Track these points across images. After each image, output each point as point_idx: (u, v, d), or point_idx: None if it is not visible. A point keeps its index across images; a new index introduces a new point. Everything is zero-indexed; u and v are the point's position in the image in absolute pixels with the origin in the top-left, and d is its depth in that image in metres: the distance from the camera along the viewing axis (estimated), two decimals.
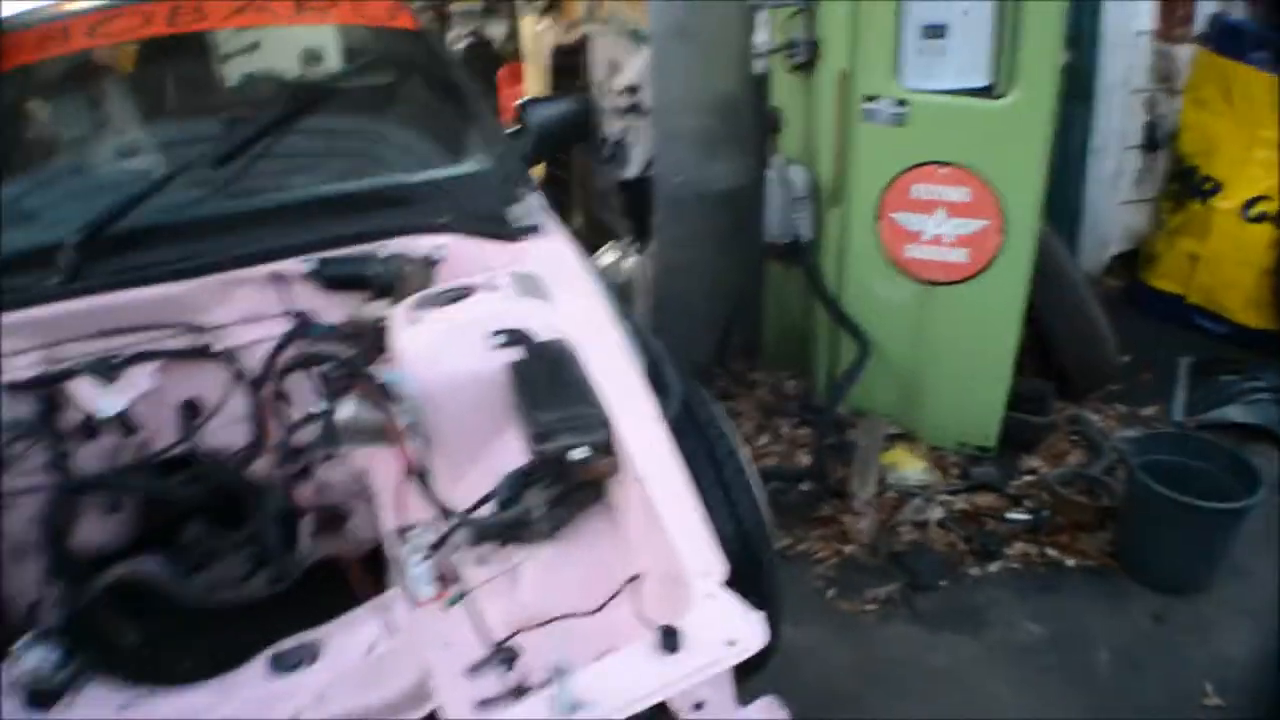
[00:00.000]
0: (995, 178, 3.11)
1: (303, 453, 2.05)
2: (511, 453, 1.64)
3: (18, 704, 1.77)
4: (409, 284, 1.99)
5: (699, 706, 1.32)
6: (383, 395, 1.76)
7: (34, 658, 1.80)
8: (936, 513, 3.28)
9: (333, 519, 2.11)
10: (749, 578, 1.46)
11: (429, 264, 2.06)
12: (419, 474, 1.74)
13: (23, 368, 2.04)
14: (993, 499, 3.37)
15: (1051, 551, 3.16)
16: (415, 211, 2.22)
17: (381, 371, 1.83)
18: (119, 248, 2.09)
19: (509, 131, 2.58)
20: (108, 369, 2.02)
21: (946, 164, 3.14)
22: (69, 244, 2.04)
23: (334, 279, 2.00)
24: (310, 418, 2.00)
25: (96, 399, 2.01)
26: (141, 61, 2.80)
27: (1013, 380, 3.45)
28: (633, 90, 3.93)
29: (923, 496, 3.32)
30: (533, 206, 2.27)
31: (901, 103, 3.13)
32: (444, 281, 1.99)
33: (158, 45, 2.68)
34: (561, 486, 1.57)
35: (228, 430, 2.10)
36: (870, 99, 3.17)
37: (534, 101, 2.92)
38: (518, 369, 1.69)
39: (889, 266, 3.35)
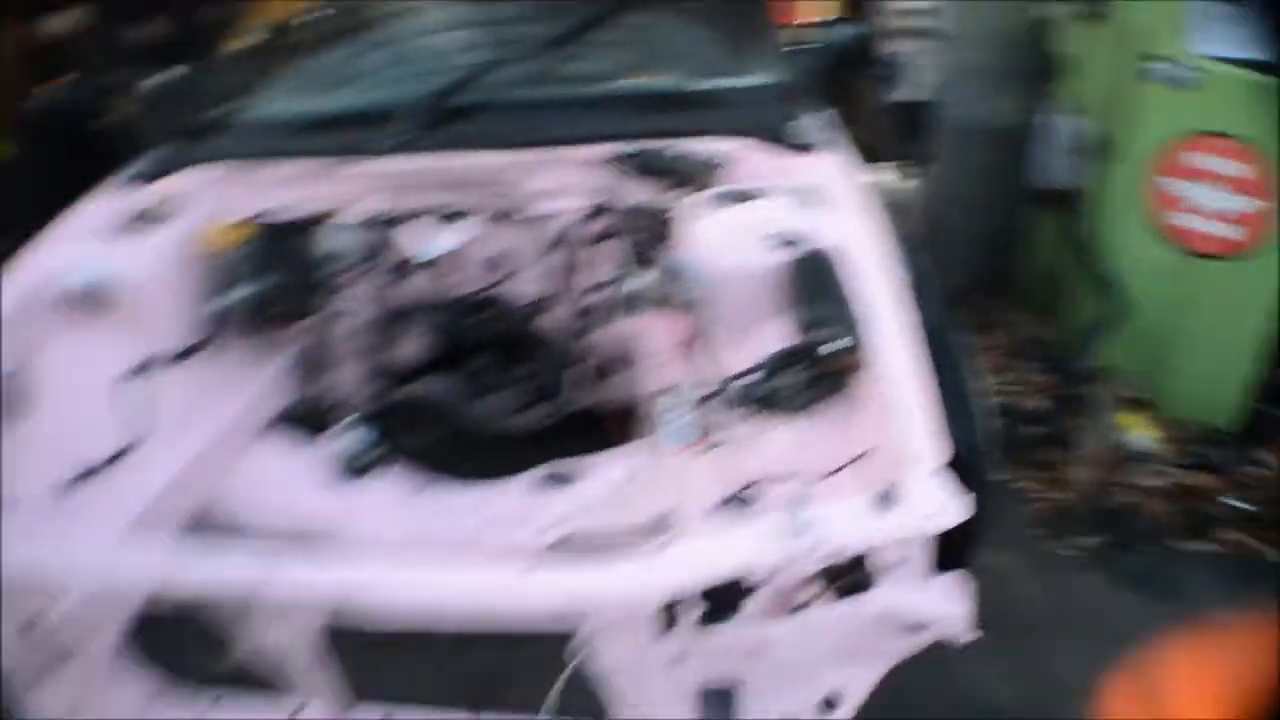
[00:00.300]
0: None
1: (588, 312, 2.36)
2: (774, 338, 1.87)
3: (338, 472, 2.20)
4: (697, 181, 2.22)
5: (896, 565, 1.51)
6: (669, 273, 2.02)
7: (354, 437, 2.22)
8: (1156, 481, 3.30)
9: (600, 371, 2.42)
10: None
11: (715, 165, 2.27)
12: (690, 344, 2.00)
13: (363, 209, 2.42)
14: (1216, 481, 3.35)
15: (1261, 545, 3.14)
16: (709, 116, 2.41)
17: (670, 253, 2.08)
18: (453, 118, 2.40)
19: (805, 48, 2.73)
20: (435, 219, 2.38)
21: (1229, 136, 3.08)
22: (415, 109, 2.37)
23: (636, 168, 2.26)
24: (604, 284, 2.30)
25: (422, 243, 2.37)
26: None
27: (1264, 368, 3.39)
28: (913, 14, 4.00)
29: (1146, 462, 3.34)
30: (817, 123, 2.44)
31: (1188, 67, 3.07)
32: (729, 183, 2.20)
33: None
34: (813, 373, 1.79)
35: (525, 284, 2.43)
36: (1156, 59, 3.12)
37: (827, 23, 3.07)
38: (788, 269, 1.90)
39: (1151, 230, 3.33)
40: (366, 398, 2.52)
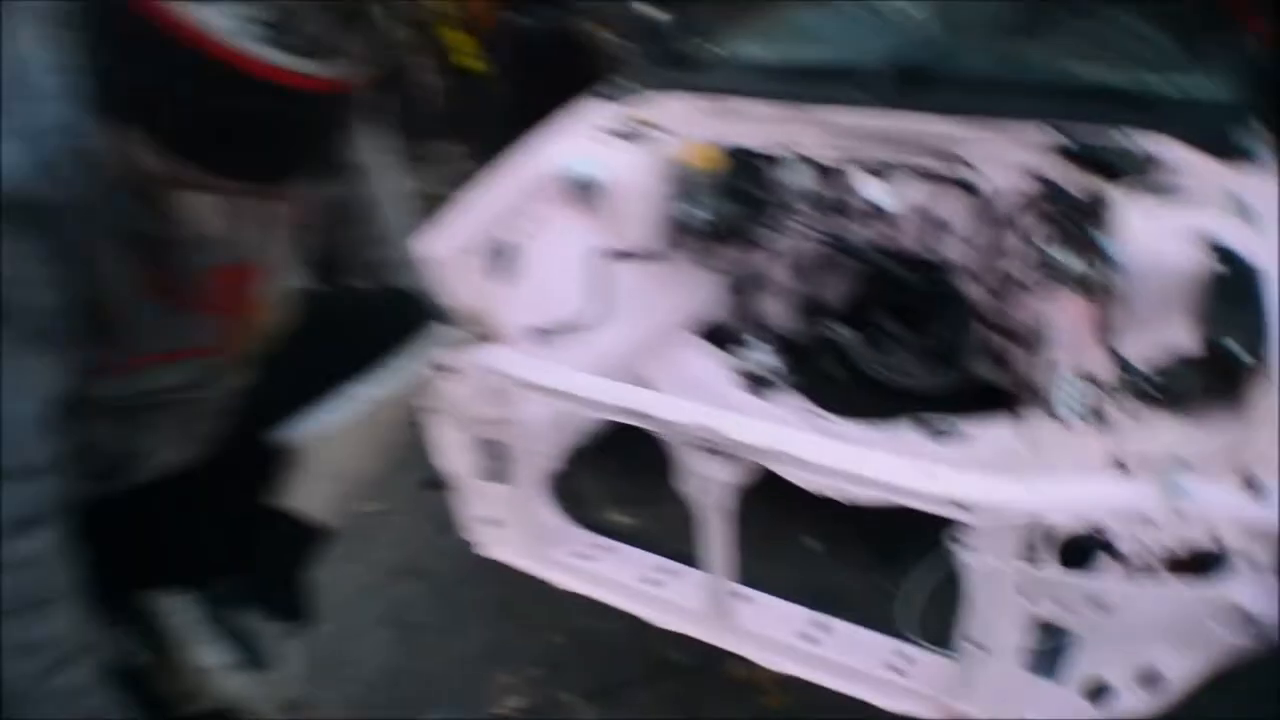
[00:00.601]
0: None
1: (1005, 284, 2.53)
2: (1180, 337, 1.95)
3: (739, 384, 2.57)
4: (1134, 175, 2.27)
5: (1252, 558, 1.53)
6: (1095, 258, 2.14)
7: (758, 354, 2.57)
8: None
9: (1002, 342, 2.59)
10: None
11: (1154, 162, 2.30)
12: (1096, 327, 2.12)
13: (819, 153, 2.72)
14: None
15: None
16: (1153, 115, 2.43)
17: (1097, 239, 2.19)
18: (912, 82, 2.61)
19: (1258, 61, 2.66)
20: (881, 173, 2.63)
21: None
22: (880, 70, 2.63)
23: (1077, 153, 2.37)
24: (1026, 260, 2.45)
25: (876, 193, 2.64)
26: None
27: None
28: None
29: None
30: (1260, 139, 2.39)
31: None
32: (1165, 181, 2.24)
33: None
34: (1212, 378, 1.86)
35: (950, 249, 2.63)
36: None
37: None
38: (1209, 274, 1.95)
39: None
40: (778, 325, 2.86)
